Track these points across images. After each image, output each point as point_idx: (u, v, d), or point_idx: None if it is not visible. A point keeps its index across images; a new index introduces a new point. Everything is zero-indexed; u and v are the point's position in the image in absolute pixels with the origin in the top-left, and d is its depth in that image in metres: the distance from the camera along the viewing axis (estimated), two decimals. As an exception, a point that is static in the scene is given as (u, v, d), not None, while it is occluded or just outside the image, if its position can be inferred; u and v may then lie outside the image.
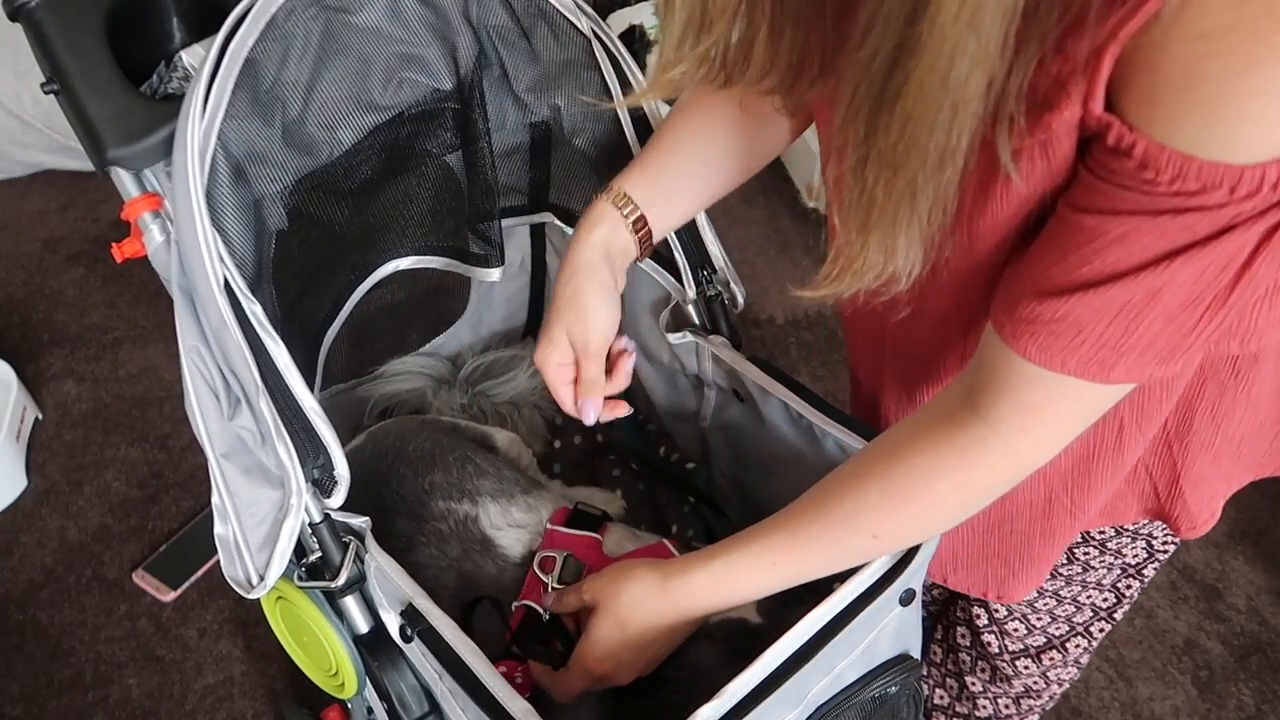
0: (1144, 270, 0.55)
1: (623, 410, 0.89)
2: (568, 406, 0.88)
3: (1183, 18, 0.47)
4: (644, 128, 1.02)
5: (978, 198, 0.63)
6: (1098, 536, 0.93)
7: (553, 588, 0.95)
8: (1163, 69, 0.50)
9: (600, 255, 0.85)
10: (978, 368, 0.66)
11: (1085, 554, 0.95)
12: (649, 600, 0.80)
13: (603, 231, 0.85)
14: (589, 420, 0.87)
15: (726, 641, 0.87)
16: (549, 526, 1.02)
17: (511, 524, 1.04)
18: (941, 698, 1.23)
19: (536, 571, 0.98)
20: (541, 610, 0.95)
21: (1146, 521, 0.90)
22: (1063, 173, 0.59)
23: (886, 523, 0.72)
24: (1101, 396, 0.63)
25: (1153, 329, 0.57)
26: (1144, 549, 0.94)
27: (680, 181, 0.88)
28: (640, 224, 0.86)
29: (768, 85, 0.67)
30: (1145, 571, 0.96)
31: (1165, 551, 0.95)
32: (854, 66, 0.54)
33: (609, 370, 0.88)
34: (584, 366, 0.86)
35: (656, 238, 0.89)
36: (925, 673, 1.23)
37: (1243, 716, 1.53)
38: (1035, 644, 1.05)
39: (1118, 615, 1.02)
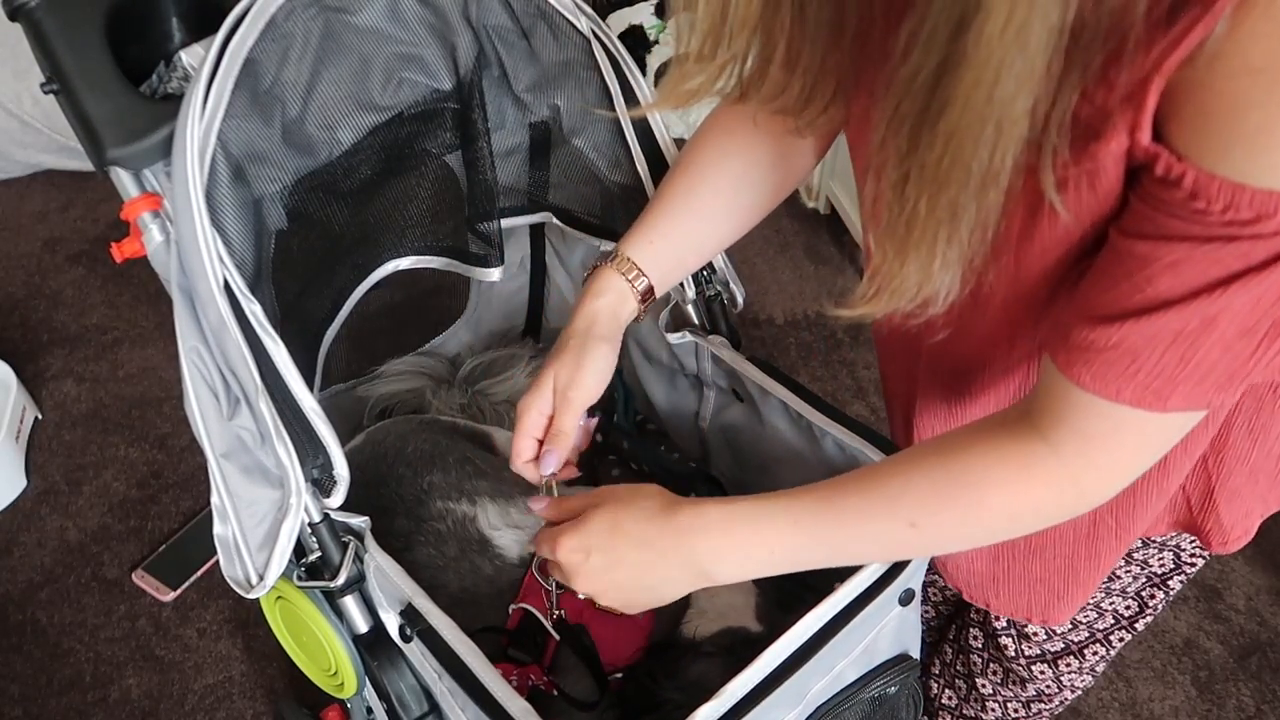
0: (1198, 297, 0.54)
1: (572, 474, 0.90)
2: (522, 455, 0.86)
3: (1226, 50, 0.47)
4: (644, 129, 1.02)
5: (1025, 226, 0.62)
6: None
7: (554, 593, 0.95)
8: (1208, 99, 0.49)
9: (605, 322, 0.86)
10: (1039, 393, 0.65)
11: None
12: (652, 512, 0.76)
13: (608, 300, 0.87)
14: (546, 470, 0.86)
15: (727, 654, 0.87)
16: None
17: (510, 524, 1.04)
18: (950, 698, 1.23)
19: (535, 574, 0.98)
20: (540, 614, 0.95)
21: (1175, 534, 0.90)
22: (1110, 203, 0.58)
23: (930, 516, 0.69)
24: (1164, 428, 0.62)
25: (1210, 357, 0.56)
26: (1171, 559, 0.93)
27: (690, 239, 0.89)
28: (648, 292, 0.88)
29: (782, 104, 0.66)
30: (1171, 583, 0.96)
31: (1193, 564, 0.94)
32: (896, 83, 0.53)
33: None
34: (559, 417, 0.86)
35: (662, 292, 0.90)
36: (937, 672, 1.23)
37: (1242, 717, 1.53)
38: (1054, 649, 1.04)
39: (1139, 625, 1.01)
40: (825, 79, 0.63)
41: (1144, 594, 0.97)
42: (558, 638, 0.94)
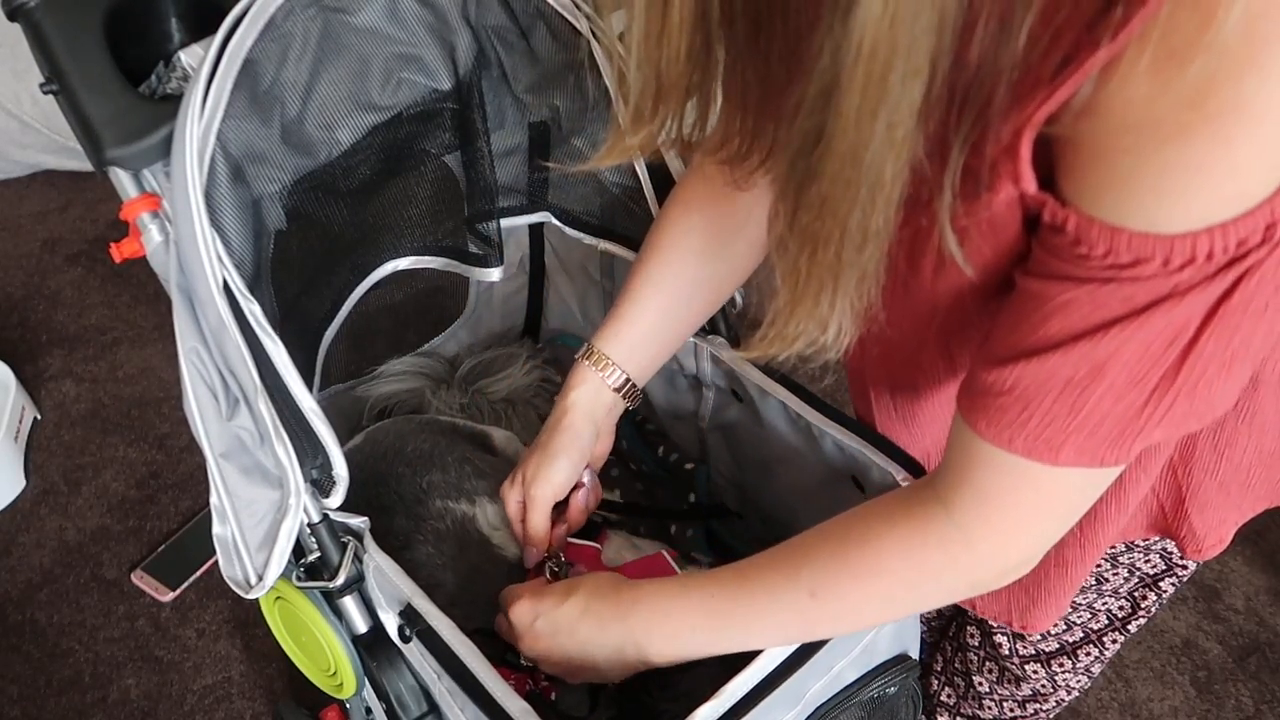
0: (1084, 339, 0.55)
1: (581, 522, 0.96)
2: (519, 537, 0.95)
3: (1095, 104, 0.48)
4: (643, 128, 1.02)
5: (935, 268, 0.64)
6: (1109, 551, 0.93)
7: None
8: (1081, 146, 0.51)
9: (581, 415, 0.91)
10: (945, 456, 0.66)
11: (1098, 567, 0.95)
12: (604, 588, 0.80)
13: (584, 392, 0.91)
14: (529, 564, 0.94)
15: (719, 662, 0.87)
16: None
17: (509, 524, 1.04)
18: (949, 695, 1.23)
19: (534, 575, 0.98)
20: None
21: (1160, 538, 0.90)
22: (1012, 251, 0.59)
23: (829, 583, 0.70)
24: (1061, 486, 0.61)
25: (1101, 407, 0.56)
26: (1161, 561, 0.94)
27: (664, 322, 0.92)
28: (624, 383, 0.91)
29: (723, 157, 0.68)
30: (1163, 584, 0.96)
31: (1184, 566, 0.94)
32: (784, 145, 0.55)
33: (565, 503, 0.94)
34: (528, 516, 0.92)
35: (645, 381, 0.93)
36: (938, 669, 1.23)
37: (1241, 717, 1.53)
38: (1047, 649, 1.05)
39: (1131, 627, 1.01)
40: (760, 136, 0.65)
41: (1136, 595, 0.98)
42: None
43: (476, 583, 1.01)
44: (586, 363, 0.91)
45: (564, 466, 0.90)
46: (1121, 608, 0.99)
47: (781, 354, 0.65)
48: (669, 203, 0.90)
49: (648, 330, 0.91)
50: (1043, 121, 0.50)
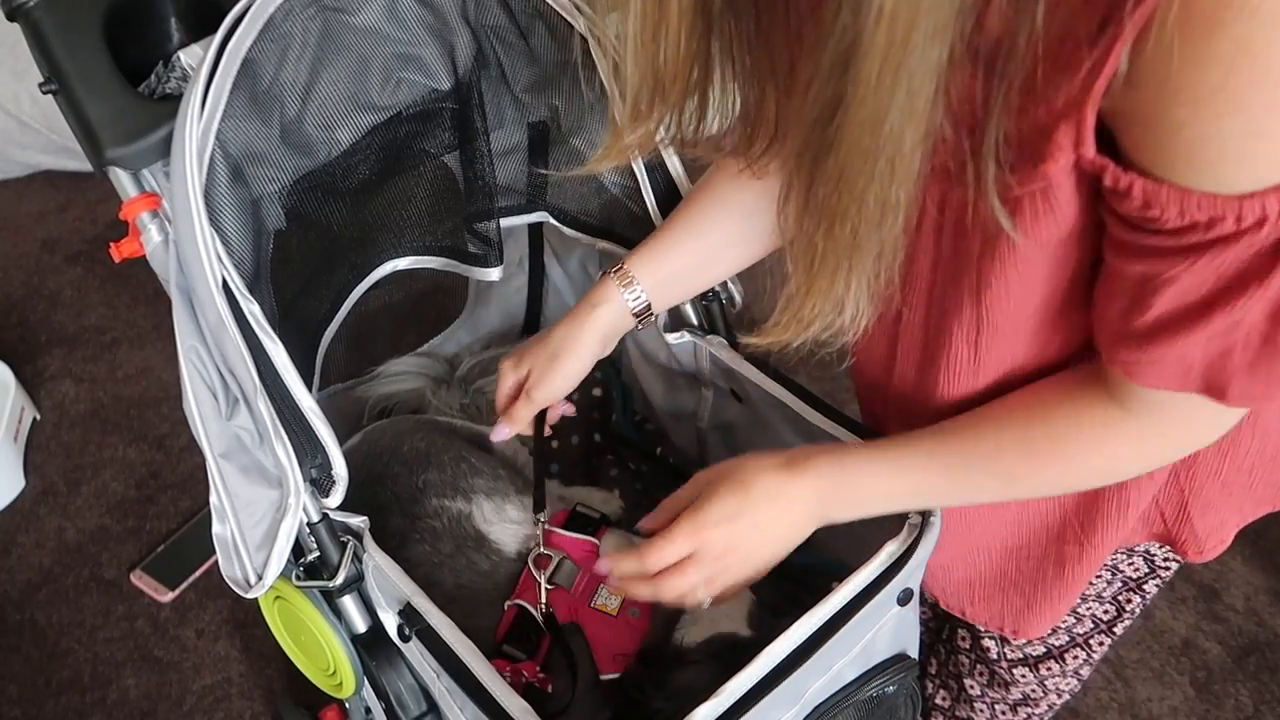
0: (1209, 307, 0.55)
1: (561, 413, 1.00)
2: (499, 405, 0.96)
3: (1140, 77, 0.48)
4: (642, 128, 1.02)
5: (985, 249, 0.63)
6: None
7: (544, 587, 0.96)
8: (1137, 117, 0.51)
9: (598, 331, 0.91)
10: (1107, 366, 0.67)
11: None
12: (771, 467, 0.77)
13: (608, 311, 0.90)
14: (497, 438, 0.96)
15: (715, 660, 0.87)
16: (548, 528, 1.02)
17: (505, 520, 1.04)
18: (943, 699, 1.23)
19: (532, 569, 0.98)
20: (533, 609, 0.95)
21: (1159, 543, 0.90)
22: (1070, 220, 0.59)
23: (1024, 472, 0.73)
24: (1233, 409, 0.63)
25: (1245, 358, 0.57)
26: (1144, 563, 0.94)
27: (695, 262, 0.93)
28: (644, 309, 0.92)
29: (725, 148, 0.67)
30: (1146, 586, 0.96)
31: (1167, 568, 0.94)
32: (797, 120, 0.55)
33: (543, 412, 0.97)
34: (518, 407, 0.94)
35: (661, 309, 0.94)
36: (933, 672, 1.23)
37: (1241, 717, 1.53)
38: (1034, 653, 1.05)
39: (1118, 630, 1.01)
40: (763, 121, 0.64)
41: (1120, 598, 0.98)
42: (548, 632, 0.94)
43: (473, 580, 1.01)
44: (615, 281, 0.91)
45: (569, 376, 0.92)
46: (1106, 611, 0.99)
47: (797, 339, 0.65)
48: (719, 164, 0.89)
49: (679, 270, 0.92)
50: (1103, 92, 0.50)
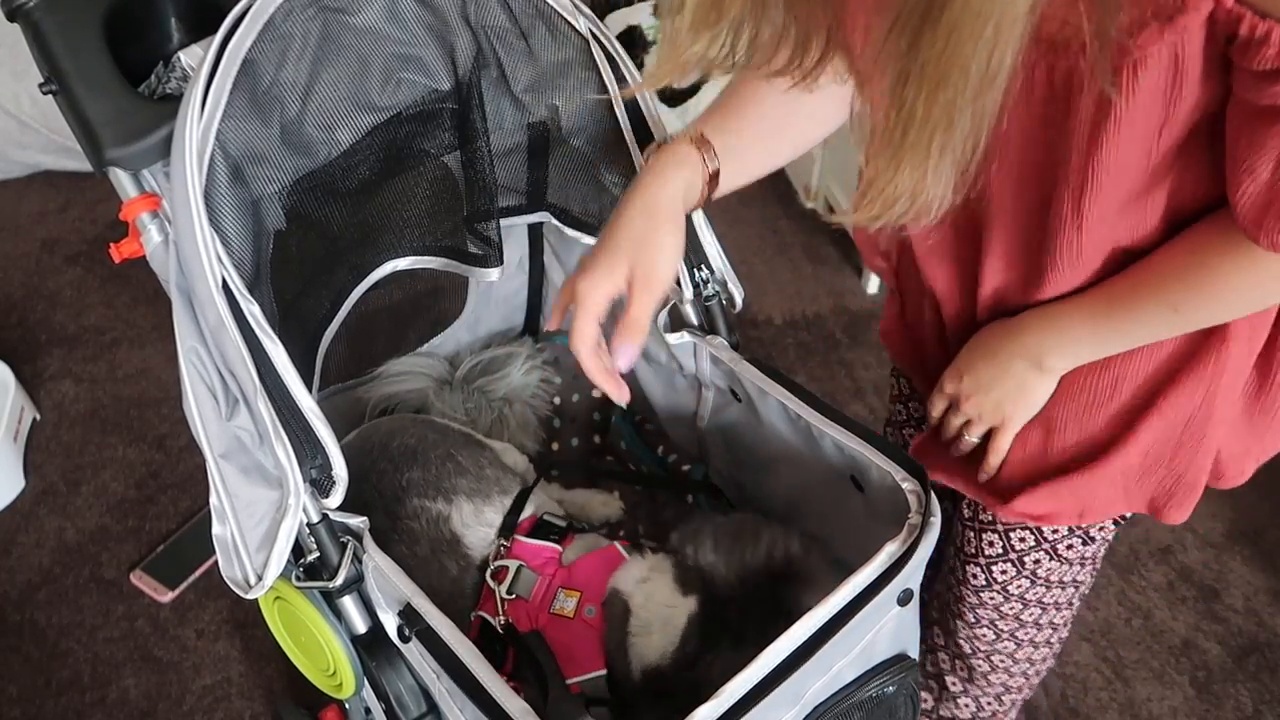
0: None
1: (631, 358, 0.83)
2: (587, 340, 0.80)
3: None
4: (642, 128, 1.02)
5: (1097, 117, 0.64)
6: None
7: (501, 597, 0.96)
8: None
9: (678, 199, 0.82)
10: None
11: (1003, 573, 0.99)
12: (999, 332, 0.86)
13: (684, 175, 0.82)
14: (623, 366, 0.80)
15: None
16: (516, 537, 1.02)
17: (482, 523, 1.04)
18: (925, 700, 1.23)
19: (489, 582, 0.98)
20: (493, 620, 0.96)
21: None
22: (1194, 89, 0.60)
23: (1189, 302, 0.75)
24: None
25: None
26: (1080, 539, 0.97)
27: (757, 137, 0.86)
28: (714, 178, 0.84)
29: (778, 64, 0.67)
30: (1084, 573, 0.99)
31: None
32: None
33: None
34: (636, 305, 0.79)
35: (718, 193, 0.86)
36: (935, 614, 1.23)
37: (1240, 717, 1.53)
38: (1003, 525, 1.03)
39: (1076, 602, 1.04)
40: (817, 28, 0.65)
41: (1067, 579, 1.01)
42: (511, 643, 0.94)
43: (443, 585, 1.01)
44: (689, 143, 0.83)
45: (674, 253, 0.81)
46: (1065, 594, 1.03)
47: (881, 219, 0.65)
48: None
49: (750, 141, 0.86)
50: None
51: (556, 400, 1.41)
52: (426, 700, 0.89)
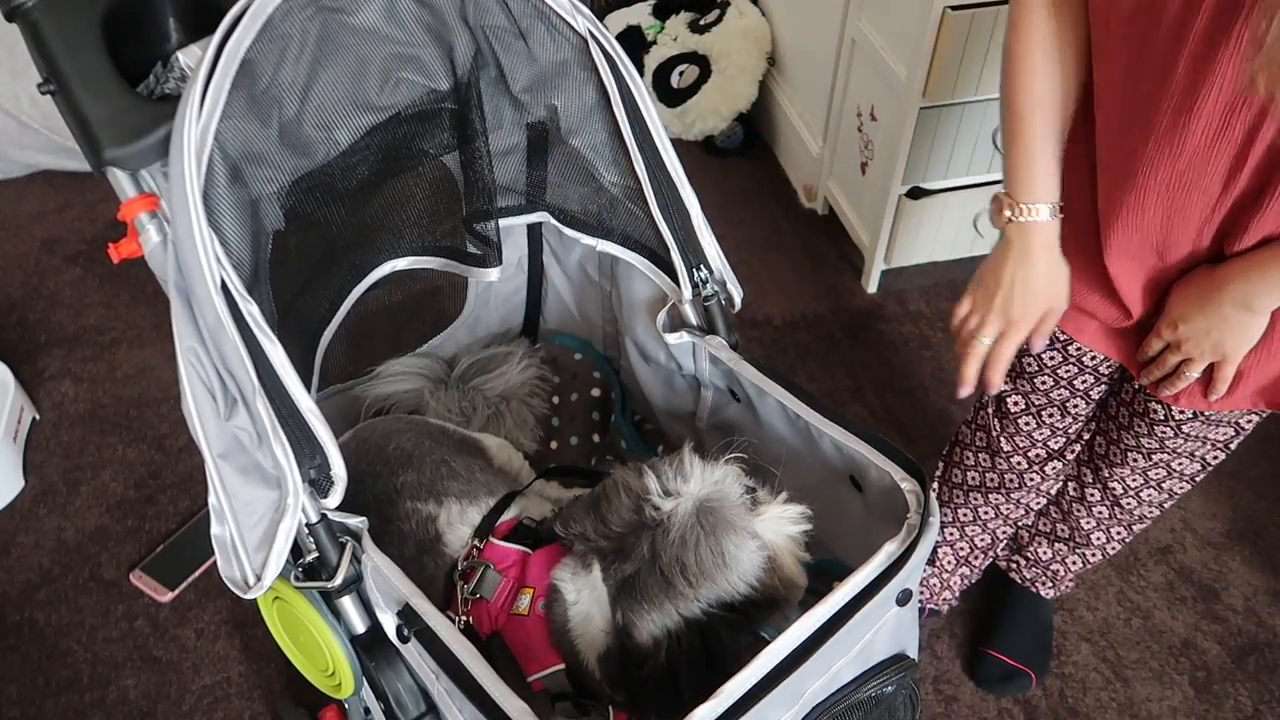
0: None
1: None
2: (970, 379, 1.00)
3: None
4: (641, 128, 1.02)
5: None
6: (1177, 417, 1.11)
7: (463, 597, 0.97)
8: None
9: (1055, 237, 0.97)
10: None
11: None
12: (1205, 280, 0.95)
13: (1051, 209, 0.97)
14: (995, 389, 1.01)
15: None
16: (490, 539, 1.02)
17: (466, 523, 1.04)
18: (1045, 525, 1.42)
19: (457, 582, 0.98)
20: (454, 620, 0.96)
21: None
22: None
23: None
24: None
25: None
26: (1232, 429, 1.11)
27: (1049, 142, 0.97)
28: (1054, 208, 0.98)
29: None
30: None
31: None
32: None
33: None
34: (1005, 342, 0.99)
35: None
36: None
37: (1240, 717, 1.53)
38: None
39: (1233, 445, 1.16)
40: None
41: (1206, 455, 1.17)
42: (467, 642, 0.95)
43: (421, 585, 1.01)
44: (1054, 223, 0.97)
45: (1053, 289, 0.99)
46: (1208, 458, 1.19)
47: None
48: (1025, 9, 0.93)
49: (1050, 157, 0.97)
50: None
51: (555, 399, 1.41)
52: (425, 700, 0.89)
